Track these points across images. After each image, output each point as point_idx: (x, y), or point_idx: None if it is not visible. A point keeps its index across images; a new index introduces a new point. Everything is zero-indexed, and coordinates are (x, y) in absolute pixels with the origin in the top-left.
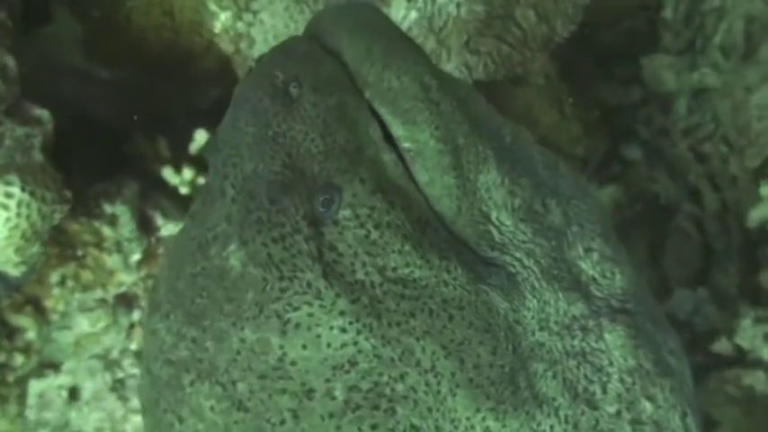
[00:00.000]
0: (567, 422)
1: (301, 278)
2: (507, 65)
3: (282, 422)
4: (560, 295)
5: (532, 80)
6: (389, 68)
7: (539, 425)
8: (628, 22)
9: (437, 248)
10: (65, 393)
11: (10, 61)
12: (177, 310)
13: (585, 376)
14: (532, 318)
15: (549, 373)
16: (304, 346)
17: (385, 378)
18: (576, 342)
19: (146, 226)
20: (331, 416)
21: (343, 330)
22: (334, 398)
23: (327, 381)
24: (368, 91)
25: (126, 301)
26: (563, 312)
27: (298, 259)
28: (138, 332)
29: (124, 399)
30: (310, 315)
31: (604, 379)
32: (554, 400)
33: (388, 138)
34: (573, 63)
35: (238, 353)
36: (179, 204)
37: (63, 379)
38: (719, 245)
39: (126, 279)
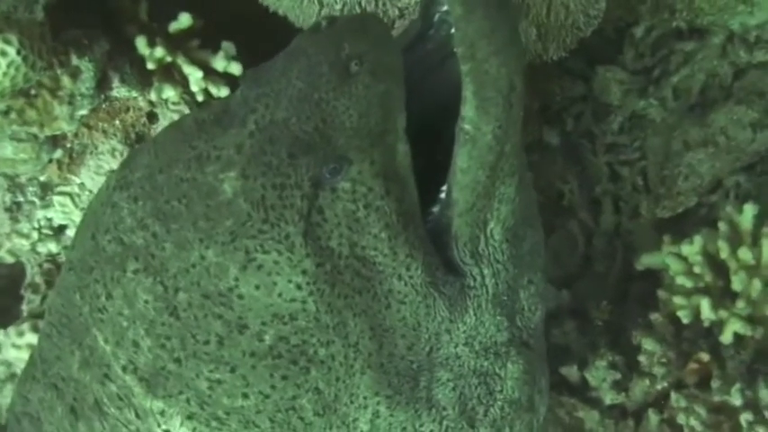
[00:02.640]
0: None
1: (283, 228)
2: None
3: (206, 342)
4: (496, 320)
5: None
6: (499, 56)
7: (421, 425)
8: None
9: (409, 245)
10: None
11: None
12: (148, 201)
13: (478, 396)
14: (463, 332)
15: (451, 384)
16: (257, 287)
17: (314, 340)
18: (486, 364)
19: (102, 85)
20: (252, 354)
21: (299, 287)
22: (262, 340)
23: (263, 324)
24: (469, 64)
25: (54, 141)
26: (489, 336)
27: (287, 211)
28: (53, 169)
29: (14, 220)
30: (276, 263)
31: (490, 402)
32: (444, 409)
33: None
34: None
35: (193, 266)
36: (140, 74)
37: None
38: (599, 266)
39: (65, 128)
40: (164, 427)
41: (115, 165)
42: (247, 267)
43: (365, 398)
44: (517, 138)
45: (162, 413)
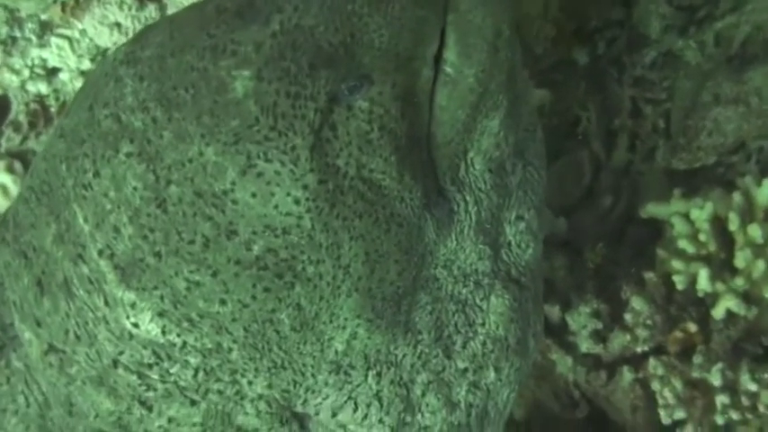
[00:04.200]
0: (419, 357)
1: (290, 138)
2: None
3: (191, 242)
4: (477, 248)
5: None
6: (483, 6)
7: (395, 348)
8: None
9: (413, 168)
10: None
11: None
12: (154, 83)
13: (455, 324)
14: (443, 255)
15: (429, 308)
16: (253, 195)
17: (304, 257)
18: (464, 291)
19: None
20: (237, 262)
21: (297, 202)
22: (249, 249)
23: (254, 233)
24: (452, 15)
25: None
26: (470, 263)
27: (297, 121)
28: (56, 9)
29: (8, 54)
30: (277, 173)
31: (470, 335)
32: (419, 333)
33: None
34: None
35: (190, 161)
36: None
37: None
38: (602, 202)
39: None
40: (132, 320)
41: (122, 18)
42: (246, 173)
43: (345, 319)
44: (504, 76)
45: (133, 305)
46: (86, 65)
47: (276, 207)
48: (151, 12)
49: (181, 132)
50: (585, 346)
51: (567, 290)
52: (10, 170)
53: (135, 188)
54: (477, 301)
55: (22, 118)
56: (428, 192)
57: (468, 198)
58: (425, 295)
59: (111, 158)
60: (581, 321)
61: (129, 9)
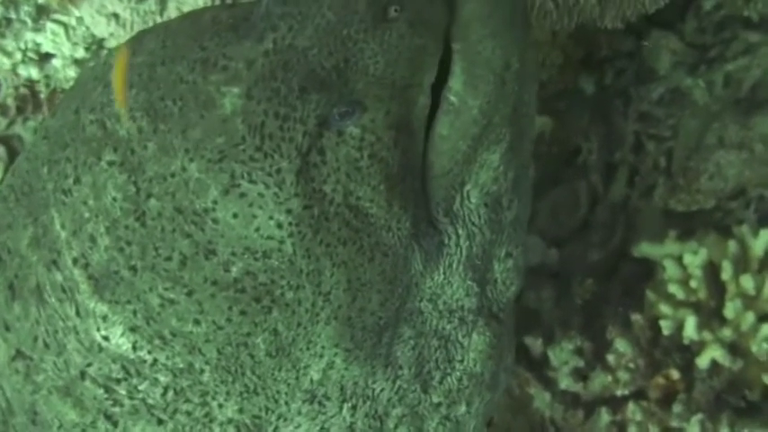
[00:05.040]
0: (396, 392)
1: (276, 161)
2: None
3: (168, 258)
4: (465, 284)
5: None
6: (493, 38)
7: (374, 382)
8: None
9: (404, 197)
10: None
11: None
12: (142, 91)
13: (436, 360)
14: (429, 288)
15: (412, 342)
16: (235, 215)
17: (283, 282)
18: (448, 327)
19: None
20: (214, 283)
21: (279, 226)
22: (228, 270)
23: (233, 254)
24: (460, 44)
25: None
26: (456, 298)
27: (285, 144)
28: None
29: (1, 35)
30: (261, 195)
31: (448, 371)
32: (400, 368)
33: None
34: None
35: (173, 175)
36: None
37: None
38: (596, 236)
39: None
40: (103, 332)
41: (119, 8)
42: (229, 192)
43: (323, 347)
44: (510, 109)
45: (104, 318)
46: (80, 53)
47: (258, 230)
48: (151, 5)
49: (165, 145)
50: (565, 383)
51: (551, 323)
52: None
53: (114, 198)
54: (460, 337)
55: (10, 102)
56: (418, 222)
57: (460, 232)
58: (408, 329)
59: (92, 165)
60: (563, 357)
61: (129, 1)
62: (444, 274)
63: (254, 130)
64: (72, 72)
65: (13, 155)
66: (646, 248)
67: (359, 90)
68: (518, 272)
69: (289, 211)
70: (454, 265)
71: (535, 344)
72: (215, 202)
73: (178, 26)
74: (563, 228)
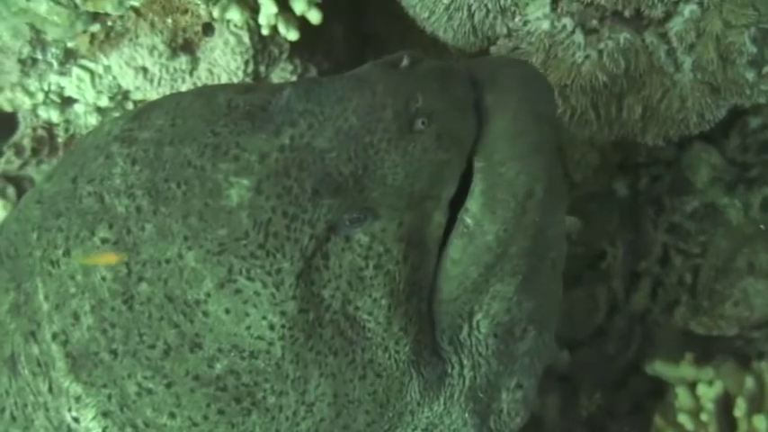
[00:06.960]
0: None
1: (278, 261)
2: None
3: (151, 347)
4: (465, 416)
5: None
6: (519, 161)
7: None
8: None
9: (407, 318)
10: None
11: None
12: (145, 169)
13: None
14: (426, 417)
15: None
16: (227, 311)
17: (267, 386)
18: None
19: None
20: (195, 378)
21: (271, 327)
22: (211, 367)
23: (219, 351)
24: (483, 162)
25: (96, 14)
26: (453, 429)
27: (289, 244)
28: (84, 39)
29: (25, 74)
30: (257, 294)
31: None
32: None
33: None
34: None
35: (167, 261)
36: None
37: None
38: (610, 345)
39: (109, 9)
40: (74, 413)
41: (149, 62)
42: (224, 287)
43: None
44: (529, 241)
45: (78, 398)
46: (104, 102)
47: (248, 328)
48: (182, 63)
49: (164, 229)
50: None
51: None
52: (2, 194)
53: (104, 278)
54: None
55: (27, 142)
56: (420, 349)
57: (465, 362)
58: None
59: (85, 240)
60: None
61: (160, 56)
62: (444, 404)
63: (258, 226)
64: (93, 120)
65: (21, 197)
66: (659, 367)
67: (374, 198)
68: (526, 403)
69: (283, 313)
70: (455, 396)
71: None
72: (208, 295)
73: (190, 105)
74: (578, 331)
